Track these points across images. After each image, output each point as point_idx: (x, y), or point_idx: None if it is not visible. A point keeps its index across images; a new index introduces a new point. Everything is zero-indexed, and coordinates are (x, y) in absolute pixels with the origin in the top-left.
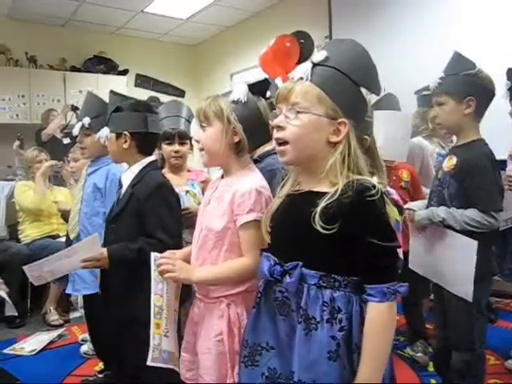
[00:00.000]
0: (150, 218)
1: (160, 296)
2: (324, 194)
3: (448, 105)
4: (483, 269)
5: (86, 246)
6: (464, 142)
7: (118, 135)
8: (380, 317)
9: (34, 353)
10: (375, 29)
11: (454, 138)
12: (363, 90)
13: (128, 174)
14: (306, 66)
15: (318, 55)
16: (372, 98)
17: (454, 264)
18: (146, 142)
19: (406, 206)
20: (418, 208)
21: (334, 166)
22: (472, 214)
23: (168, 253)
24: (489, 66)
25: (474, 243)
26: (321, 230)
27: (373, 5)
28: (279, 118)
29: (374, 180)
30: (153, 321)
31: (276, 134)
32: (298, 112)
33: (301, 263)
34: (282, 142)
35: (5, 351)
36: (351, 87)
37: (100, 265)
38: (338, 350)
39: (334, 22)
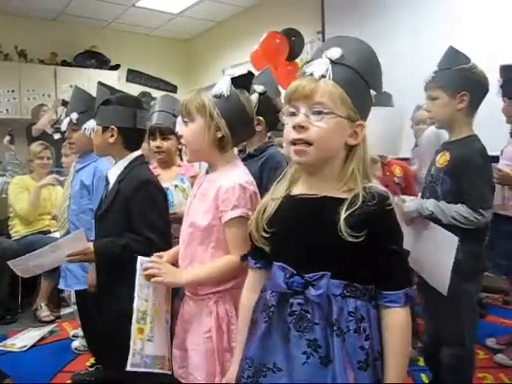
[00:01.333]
0: (135, 215)
1: (145, 301)
2: (342, 200)
3: (441, 99)
4: (474, 264)
5: (71, 241)
6: (457, 138)
7: (105, 128)
8: (402, 321)
9: (25, 349)
10: (369, 23)
11: None
12: (372, 92)
13: (114, 170)
14: (325, 63)
15: (334, 52)
16: None
17: (435, 257)
18: (132, 137)
19: (397, 198)
20: (410, 200)
21: (349, 169)
22: (460, 210)
23: (155, 257)
24: (484, 62)
25: (455, 239)
26: (349, 239)
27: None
28: (301, 118)
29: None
30: (134, 326)
31: (296, 135)
32: (323, 113)
33: (329, 274)
34: (304, 143)
35: None
36: (364, 89)
37: (87, 259)
38: (368, 360)
39: (326, 16)
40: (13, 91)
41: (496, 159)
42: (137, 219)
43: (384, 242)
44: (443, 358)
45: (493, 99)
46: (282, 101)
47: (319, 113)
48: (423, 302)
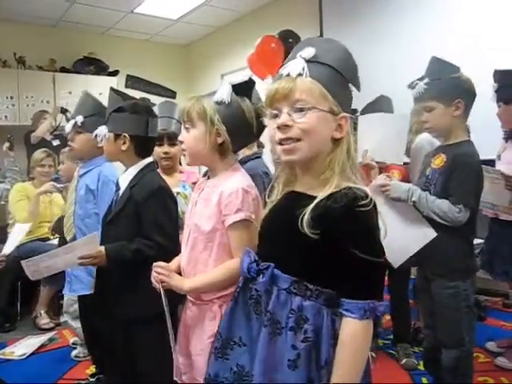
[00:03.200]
0: (147, 221)
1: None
2: (315, 197)
3: (438, 109)
4: (466, 265)
5: (85, 243)
6: (453, 142)
7: (117, 136)
8: (355, 335)
9: (25, 357)
10: (367, 28)
11: None
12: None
13: (125, 176)
14: (300, 62)
15: (307, 52)
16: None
17: (404, 237)
18: (144, 145)
19: (384, 176)
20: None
21: (332, 162)
22: (441, 204)
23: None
24: (480, 65)
25: (433, 234)
26: (308, 233)
27: (364, 4)
28: (284, 117)
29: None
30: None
31: (282, 135)
32: (305, 109)
33: (273, 264)
34: (293, 141)
35: None
36: (344, 84)
37: (97, 262)
38: (297, 361)
39: (324, 21)
40: (11, 98)
41: (492, 162)
42: (148, 225)
43: (347, 245)
44: (443, 361)
45: (487, 103)
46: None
47: (301, 110)
48: (420, 306)
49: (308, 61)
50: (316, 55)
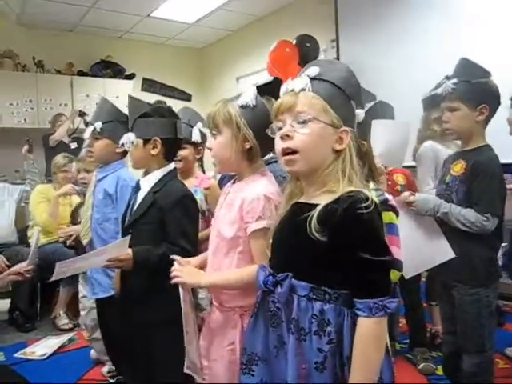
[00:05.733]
0: (173, 227)
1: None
2: (317, 205)
3: (461, 111)
4: (488, 270)
5: (116, 246)
6: (472, 148)
7: (146, 141)
8: (368, 332)
9: (45, 357)
10: (382, 33)
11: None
12: (353, 104)
13: (149, 179)
14: (305, 79)
15: (312, 70)
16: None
17: (421, 253)
18: (173, 147)
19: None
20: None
21: (333, 172)
22: (468, 214)
23: (183, 261)
24: (497, 68)
25: (451, 255)
26: (317, 237)
27: (380, 8)
28: (287, 128)
29: (373, 192)
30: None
31: (284, 144)
32: (306, 121)
33: (290, 274)
34: (291, 152)
35: (16, 355)
36: (345, 100)
37: (123, 265)
38: (325, 362)
39: (340, 25)
40: (30, 101)
41: (507, 166)
42: (174, 231)
43: (349, 247)
44: (465, 368)
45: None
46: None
47: (303, 121)
48: (441, 312)
49: (312, 78)
50: (320, 73)
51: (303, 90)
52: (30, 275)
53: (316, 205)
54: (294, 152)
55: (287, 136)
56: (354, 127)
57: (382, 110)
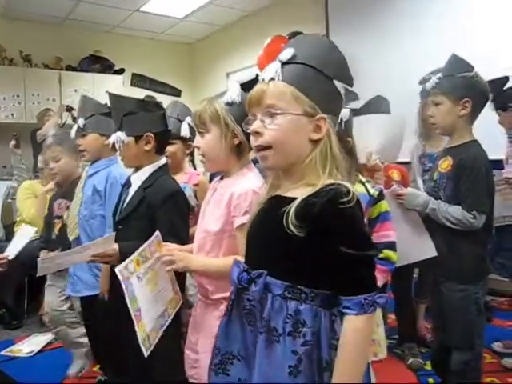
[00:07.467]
0: (162, 224)
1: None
2: (295, 199)
3: (444, 105)
4: (477, 267)
5: (102, 242)
6: (458, 143)
7: (137, 138)
8: (356, 330)
9: (32, 354)
10: (373, 28)
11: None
12: (337, 84)
13: (139, 175)
14: (275, 66)
15: (285, 53)
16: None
17: (405, 246)
18: (164, 140)
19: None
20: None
21: (312, 164)
22: (455, 212)
23: (173, 246)
24: (487, 65)
25: (434, 253)
26: (295, 233)
27: (370, 3)
28: (256, 124)
29: (367, 184)
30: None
31: (255, 142)
32: (275, 114)
33: (265, 272)
34: (264, 148)
35: (2, 353)
36: (325, 82)
37: (110, 260)
38: (299, 366)
39: (330, 21)
40: (18, 96)
41: (495, 163)
42: (163, 227)
43: (335, 243)
44: (454, 363)
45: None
46: None
47: (271, 115)
48: (430, 308)
49: (285, 63)
50: (294, 56)
51: (272, 79)
52: (3, 268)
53: (294, 198)
54: (266, 147)
55: (257, 133)
56: (338, 110)
57: (379, 105)
